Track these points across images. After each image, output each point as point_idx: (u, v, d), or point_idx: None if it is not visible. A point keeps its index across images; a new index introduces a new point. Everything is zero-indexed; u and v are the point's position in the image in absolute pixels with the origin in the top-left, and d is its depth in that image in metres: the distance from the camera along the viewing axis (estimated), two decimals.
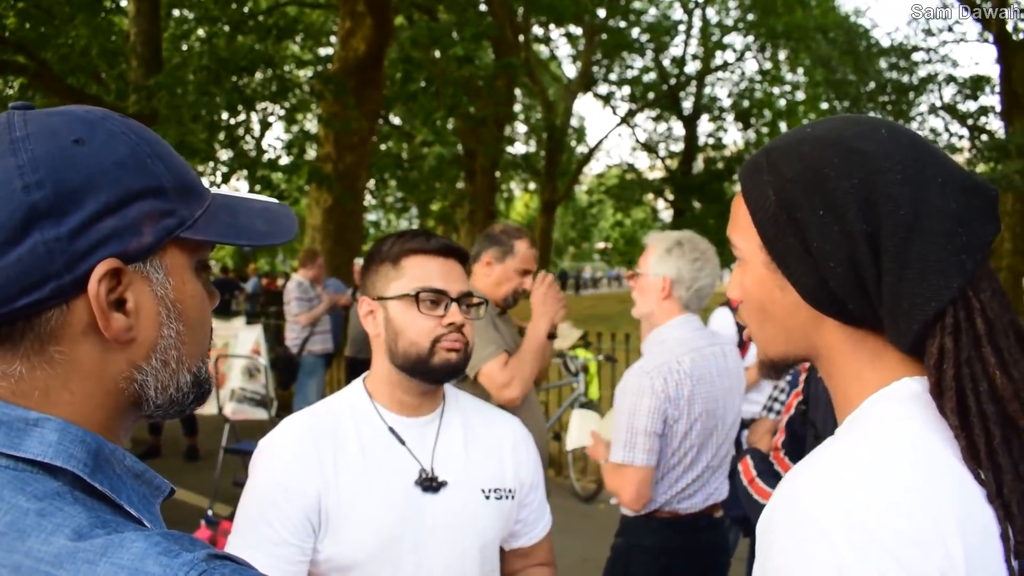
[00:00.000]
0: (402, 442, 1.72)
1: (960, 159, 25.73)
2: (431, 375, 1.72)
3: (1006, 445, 0.85)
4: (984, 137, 24.74)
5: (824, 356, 1.00)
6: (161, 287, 0.80)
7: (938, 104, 26.54)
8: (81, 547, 0.65)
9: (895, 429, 0.88)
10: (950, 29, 25.75)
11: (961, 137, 26.43)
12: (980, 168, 24.28)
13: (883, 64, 27.27)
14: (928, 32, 26.09)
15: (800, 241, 0.94)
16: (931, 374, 0.89)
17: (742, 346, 4.54)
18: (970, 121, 25.30)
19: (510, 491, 1.82)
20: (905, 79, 26.76)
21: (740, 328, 4.55)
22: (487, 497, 1.76)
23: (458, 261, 1.80)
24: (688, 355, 2.74)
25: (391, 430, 1.73)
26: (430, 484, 1.69)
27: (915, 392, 0.91)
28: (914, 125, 27.28)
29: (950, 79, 25.87)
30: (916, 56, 26.64)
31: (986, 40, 23.29)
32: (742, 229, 1.03)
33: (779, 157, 0.98)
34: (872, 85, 26.65)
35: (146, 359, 0.80)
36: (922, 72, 26.59)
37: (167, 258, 0.81)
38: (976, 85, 24.49)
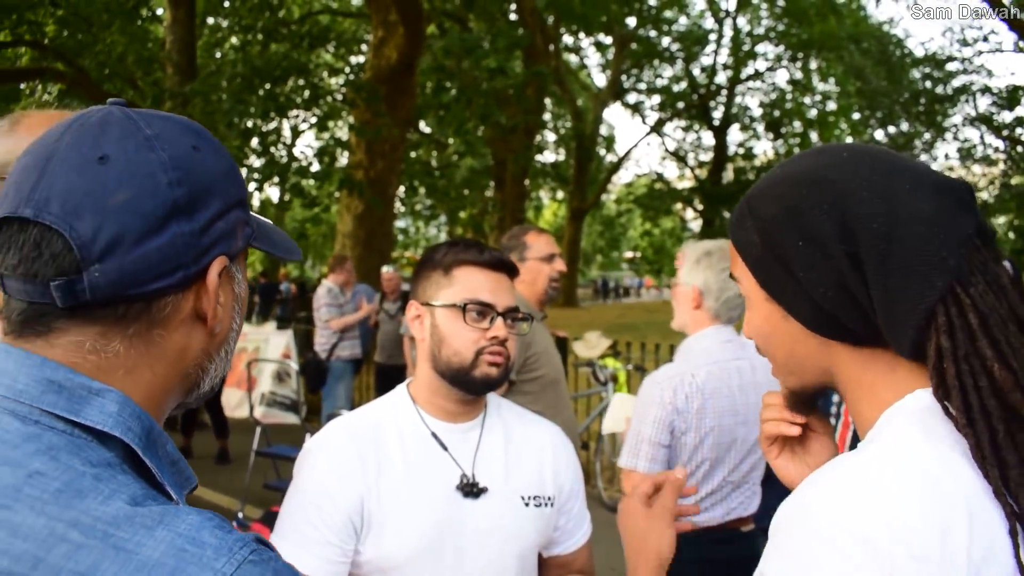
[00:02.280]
0: (444, 447, 1.74)
1: (996, 171, 25.41)
2: (470, 386, 1.73)
3: (1010, 439, 0.86)
4: (1021, 148, 24.39)
5: (839, 379, 1.02)
6: (238, 285, 0.91)
7: (973, 115, 26.22)
8: (139, 512, 0.69)
9: (904, 443, 0.89)
10: (985, 39, 25.48)
11: (997, 149, 26.11)
12: (1016, 180, 23.98)
13: (916, 74, 27.03)
14: (963, 42, 25.81)
15: (788, 274, 0.99)
16: (932, 375, 0.90)
17: None
18: (1006, 132, 24.95)
19: (549, 498, 1.82)
20: (939, 90, 26.47)
21: None
22: (527, 504, 1.77)
23: (508, 275, 1.82)
24: (705, 368, 2.73)
25: (434, 435, 1.74)
26: (471, 490, 1.71)
27: (927, 404, 0.92)
28: (948, 136, 26.97)
29: (985, 89, 25.57)
30: (951, 66, 26.36)
31: (1022, 50, 23.02)
32: (741, 272, 1.09)
33: (757, 203, 1.04)
34: (905, 96, 26.39)
35: (217, 349, 0.89)
36: (957, 82, 26.31)
37: (240, 261, 0.91)
38: (1012, 95, 24.16)
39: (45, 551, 0.67)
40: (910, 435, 0.89)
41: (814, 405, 1.13)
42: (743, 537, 2.84)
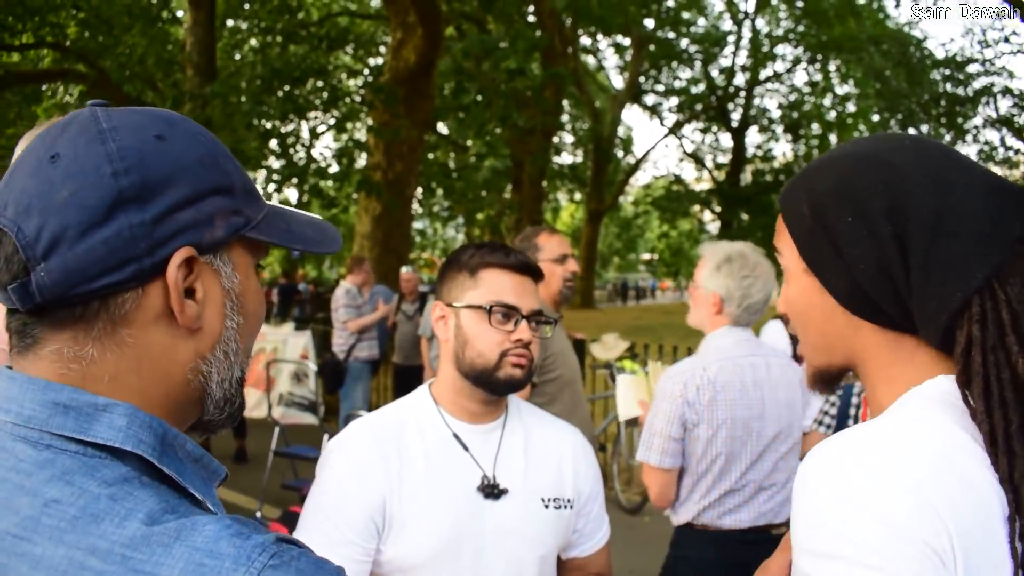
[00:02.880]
0: (465, 448, 1.75)
1: (1017, 173, 25.18)
2: (494, 387, 1.74)
3: (1022, 431, 0.88)
4: None
5: (862, 361, 1.04)
6: (228, 280, 0.85)
7: (994, 117, 25.99)
8: (155, 531, 0.68)
9: (911, 422, 0.91)
10: (1006, 40, 25.27)
11: (1017, 151, 25.87)
12: None
13: (937, 76, 26.80)
14: (984, 43, 25.60)
15: (832, 247, 1.01)
16: (958, 361, 0.92)
17: (796, 361, 4.49)
18: None
19: (569, 500, 1.83)
20: (960, 91, 26.24)
21: (793, 341, 4.50)
22: (546, 506, 1.78)
23: (533, 279, 1.83)
24: (717, 362, 2.75)
25: (455, 436, 1.76)
26: (491, 491, 1.71)
27: (945, 390, 0.94)
28: (969, 138, 26.76)
29: (1006, 91, 25.34)
30: (971, 68, 26.13)
31: None
32: (784, 244, 1.11)
33: (813, 175, 1.06)
34: (925, 97, 26.18)
35: (211, 349, 0.84)
36: (977, 84, 26.08)
37: (234, 254, 0.86)
38: None
39: None
40: (918, 416, 0.92)
41: (835, 385, 1.15)
42: (774, 540, 2.79)
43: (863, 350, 1.03)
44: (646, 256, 68.84)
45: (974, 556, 0.83)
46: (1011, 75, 25.57)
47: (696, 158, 36.85)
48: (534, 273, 1.83)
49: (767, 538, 2.78)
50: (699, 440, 2.72)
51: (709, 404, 2.70)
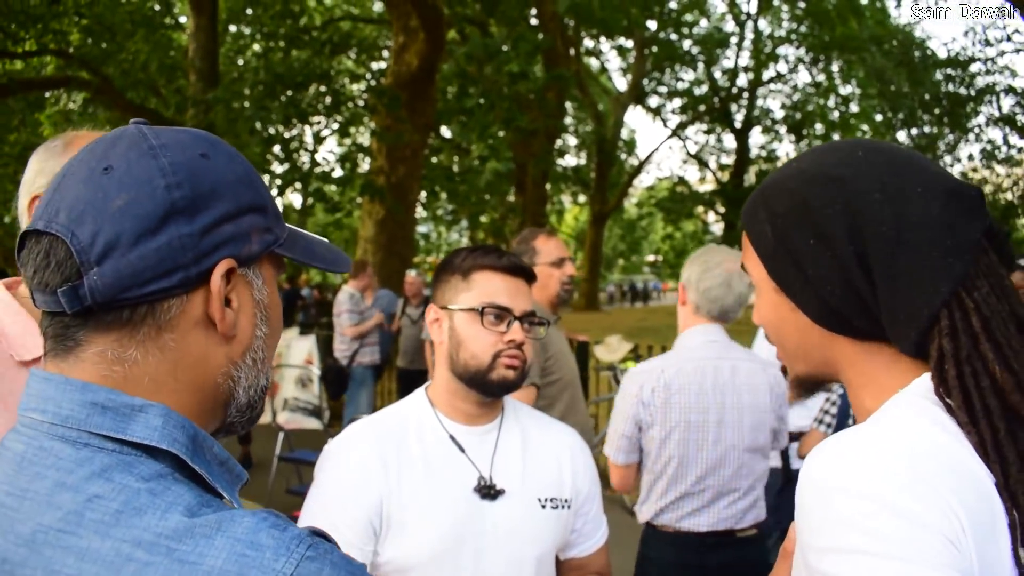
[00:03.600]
0: (462, 450, 1.76)
1: (1020, 171, 25.14)
2: (487, 389, 1.76)
3: (1011, 437, 0.88)
4: None
5: (842, 369, 1.04)
6: (259, 292, 0.90)
7: (996, 115, 25.95)
8: (197, 523, 0.72)
9: (908, 418, 0.91)
10: (1008, 39, 25.23)
11: (1020, 149, 25.82)
12: None
13: (939, 76, 26.78)
14: (986, 43, 25.57)
15: (798, 270, 1.02)
16: (934, 375, 0.92)
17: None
18: None
19: (566, 501, 1.84)
20: (962, 91, 26.21)
21: None
22: (544, 506, 1.79)
23: (525, 280, 1.84)
24: (677, 364, 2.75)
25: (451, 438, 1.77)
26: (488, 491, 1.72)
27: (931, 387, 0.94)
28: (971, 136, 26.71)
29: (1009, 90, 25.30)
30: (973, 67, 26.10)
31: None
32: (751, 260, 1.11)
33: (771, 195, 1.06)
34: (928, 97, 26.15)
35: (242, 356, 0.89)
36: (979, 83, 26.05)
37: (263, 269, 0.91)
38: None
39: (114, 572, 0.70)
40: (913, 415, 0.91)
41: (817, 391, 1.15)
42: (737, 542, 2.79)
43: (841, 360, 1.03)
44: (650, 258, 68.80)
45: (983, 542, 0.83)
46: (1013, 74, 25.55)
47: (699, 159, 36.83)
48: (526, 274, 1.85)
49: (730, 541, 2.77)
50: (653, 441, 2.75)
51: (663, 406, 2.71)
